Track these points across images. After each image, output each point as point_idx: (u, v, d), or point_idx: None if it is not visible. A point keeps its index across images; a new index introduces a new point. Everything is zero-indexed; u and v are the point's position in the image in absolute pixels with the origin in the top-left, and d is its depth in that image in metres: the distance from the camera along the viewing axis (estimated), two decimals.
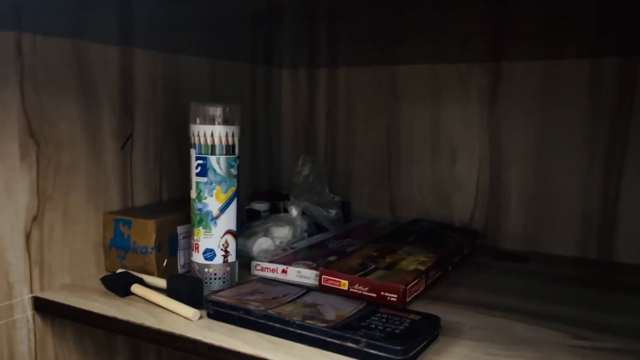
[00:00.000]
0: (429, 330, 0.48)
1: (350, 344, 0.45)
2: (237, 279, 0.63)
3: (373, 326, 0.47)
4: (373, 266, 0.63)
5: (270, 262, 0.67)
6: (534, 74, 0.79)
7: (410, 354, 0.44)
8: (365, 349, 0.44)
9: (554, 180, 0.79)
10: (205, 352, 0.49)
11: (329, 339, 0.46)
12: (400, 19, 0.47)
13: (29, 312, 0.59)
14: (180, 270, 0.67)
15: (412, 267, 0.63)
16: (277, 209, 0.86)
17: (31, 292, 0.59)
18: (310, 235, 0.80)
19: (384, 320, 0.49)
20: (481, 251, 0.80)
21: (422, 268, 0.63)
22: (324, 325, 0.47)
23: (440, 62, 0.85)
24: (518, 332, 0.51)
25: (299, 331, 0.48)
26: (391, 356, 0.43)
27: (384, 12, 0.44)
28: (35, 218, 0.59)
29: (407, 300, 0.57)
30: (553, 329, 0.51)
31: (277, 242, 0.75)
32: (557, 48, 0.67)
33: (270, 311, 0.50)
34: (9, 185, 0.56)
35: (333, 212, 0.78)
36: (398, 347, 0.43)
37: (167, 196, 0.77)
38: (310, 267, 0.64)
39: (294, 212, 0.77)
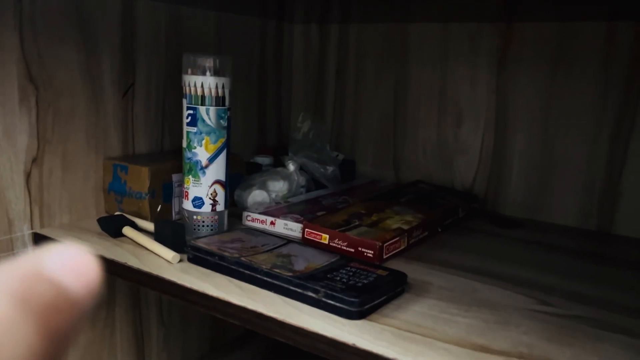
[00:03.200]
0: (392, 286, 0.49)
1: (310, 294, 0.46)
2: (225, 228, 0.65)
3: (337, 278, 0.49)
4: (357, 223, 0.64)
5: (261, 213, 0.69)
6: (546, 36, 0.76)
7: (366, 306, 0.45)
8: (324, 299, 0.46)
9: (559, 148, 0.77)
10: (178, 293, 0.51)
11: (291, 287, 0.48)
12: None
13: (30, 248, 0.63)
14: (174, 217, 0.70)
15: (395, 226, 0.63)
16: (280, 164, 0.87)
17: (31, 229, 0.63)
18: (308, 191, 0.81)
19: (350, 274, 0.50)
20: (478, 216, 0.80)
21: (405, 227, 0.63)
22: (290, 274, 0.49)
23: (451, 21, 0.83)
24: (484, 295, 0.51)
25: (265, 278, 0.49)
26: (346, 307, 0.44)
27: None
28: (34, 160, 0.62)
29: (384, 257, 0.58)
30: (521, 294, 0.51)
31: (273, 195, 0.76)
32: (572, 9, 0.64)
33: (243, 258, 0.52)
34: (8, 127, 0.59)
35: (330, 169, 0.79)
36: (354, 299, 0.44)
37: (169, 146, 0.79)
38: (296, 220, 0.66)
39: (290, 166, 0.78)
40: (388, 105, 0.91)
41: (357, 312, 0.44)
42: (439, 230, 0.70)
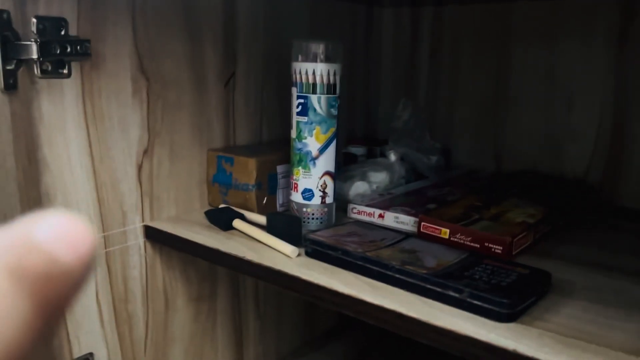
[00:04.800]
0: (538, 286, 0.45)
1: (452, 293, 0.43)
2: (334, 221, 0.63)
3: (477, 277, 0.45)
4: (477, 216, 0.60)
5: (367, 205, 0.66)
6: None
7: (517, 308, 0.41)
8: (469, 299, 0.42)
9: None
10: (303, 289, 0.49)
11: (429, 286, 0.44)
12: None
13: (141, 240, 0.63)
14: (278, 209, 0.68)
15: (519, 220, 0.59)
16: (373, 154, 0.84)
17: (142, 221, 0.63)
18: (408, 182, 0.77)
19: (488, 271, 0.46)
20: (597, 208, 0.74)
21: (531, 221, 0.59)
22: (425, 271, 0.46)
23: None
24: (637, 295, 0.46)
25: (397, 275, 0.46)
26: (496, 309, 0.41)
27: None
28: (145, 152, 0.62)
29: (514, 253, 0.54)
30: None
31: (374, 186, 0.73)
32: None
33: (368, 253, 0.50)
34: (123, 119, 0.59)
35: (434, 158, 0.75)
36: (504, 300, 0.41)
37: (266, 136, 0.77)
38: (408, 214, 0.63)
39: (392, 157, 0.75)
40: (487, 89, 0.86)
41: (508, 315, 0.41)
42: (561, 223, 0.65)
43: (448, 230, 0.57)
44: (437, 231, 0.58)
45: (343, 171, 0.75)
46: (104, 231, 0.59)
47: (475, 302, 0.42)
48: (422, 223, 0.59)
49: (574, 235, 0.62)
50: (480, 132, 0.88)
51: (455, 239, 0.56)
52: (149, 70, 0.60)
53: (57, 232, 0.13)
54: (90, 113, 0.56)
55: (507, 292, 0.42)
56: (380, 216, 0.65)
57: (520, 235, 0.55)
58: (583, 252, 0.57)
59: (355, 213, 0.67)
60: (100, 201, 0.58)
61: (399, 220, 0.63)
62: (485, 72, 0.86)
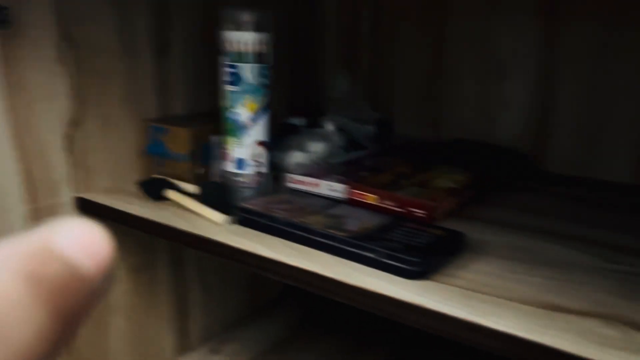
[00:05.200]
0: (452, 246, 0.47)
1: (367, 254, 0.45)
2: (268, 190, 0.64)
3: (395, 239, 0.47)
4: (405, 183, 0.62)
5: (303, 175, 0.67)
6: None
7: (428, 266, 0.43)
8: (384, 260, 0.44)
9: (610, 103, 0.73)
10: (230, 255, 0.50)
11: (348, 248, 0.46)
12: None
13: (73, 212, 0.62)
14: (213, 179, 0.68)
15: (445, 185, 0.61)
16: (315, 125, 0.85)
17: (74, 193, 0.62)
18: (347, 152, 0.79)
19: (406, 234, 0.48)
20: (526, 174, 0.77)
21: (456, 186, 0.61)
22: (345, 234, 0.47)
23: None
24: (548, 254, 0.49)
25: (319, 239, 0.48)
26: (408, 267, 0.43)
27: None
28: (74, 122, 0.61)
29: (437, 217, 0.56)
30: (586, 252, 0.49)
31: (312, 156, 0.74)
32: None
33: (294, 219, 0.51)
34: (48, 88, 0.58)
35: (370, 128, 0.77)
36: (416, 259, 0.43)
37: (205, 106, 0.77)
38: (341, 181, 0.64)
39: (329, 127, 0.76)
40: (426, 61, 0.88)
41: (420, 272, 0.43)
42: (489, 189, 0.68)
43: (375, 197, 0.59)
44: (365, 197, 0.59)
45: (282, 141, 0.76)
46: (32, 203, 0.58)
47: (389, 261, 0.44)
48: (352, 190, 0.61)
49: (501, 199, 0.65)
50: (420, 102, 0.90)
51: (383, 205, 0.58)
52: (74, 37, 0.59)
53: (77, 241, 0.13)
54: (13, 82, 0.54)
55: (420, 252, 0.44)
56: (315, 185, 0.66)
57: (444, 200, 0.57)
58: (505, 215, 0.59)
59: (291, 183, 0.68)
60: (27, 172, 0.57)
61: (332, 189, 0.64)
62: (424, 43, 0.87)
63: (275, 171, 0.71)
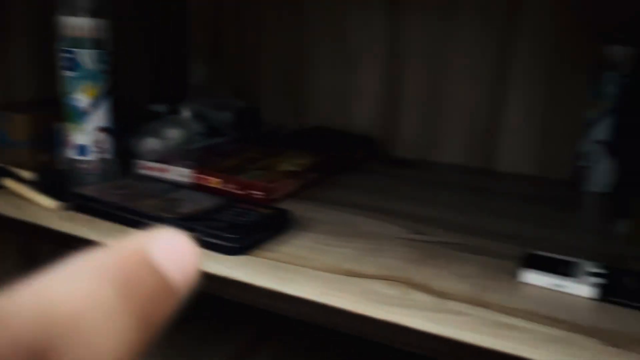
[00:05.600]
0: (278, 223, 0.51)
1: (193, 234, 0.47)
2: (113, 176, 0.64)
3: (223, 219, 0.49)
4: (250, 167, 0.65)
5: (152, 161, 0.68)
6: None
7: (246, 243, 0.46)
8: (205, 238, 0.46)
9: (447, 90, 0.81)
10: (61, 241, 0.50)
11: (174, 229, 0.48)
12: None
13: None
14: (57, 166, 0.67)
15: (287, 168, 0.65)
16: (175, 112, 0.85)
17: None
18: (206, 138, 0.80)
19: (237, 214, 0.51)
20: (375, 158, 0.83)
21: (298, 169, 0.65)
22: (174, 216, 0.49)
23: None
24: (364, 228, 0.54)
25: (148, 222, 0.49)
26: (227, 244, 0.46)
27: None
28: None
29: (275, 199, 0.60)
30: (399, 225, 0.55)
31: (168, 142, 0.75)
32: None
33: (126, 203, 0.52)
34: None
35: (227, 115, 0.79)
36: (235, 236, 0.46)
37: (50, 92, 0.75)
38: (187, 166, 0.66)
39: (185, 113, 0.77)
40: (289, 50, 0.91)
41: (237, 248, 0.46)
42: (334, 172, 0.72)
43: (218, 180, 0.61)
44: (209, 181, 0.62)
45: (138, 128, 0.76)
46: None
47: (210, 239, 0.46)
48: (195, 174, 0.62)
49: (344, 182, 0.70)
50: (285, 91, 0.93)
51: (225, 188, 0.61)
52: None
53: (169, 252, 0.13)
54: None
55: (241, 230, 0.47)
56: (164, 170, 0.67)
57: (282, 182, 0.61)
58: (341, 195, 0.64)
59: (141, 168, 0.68)
60: None
61: (180, 174, 0.66)
62: (287, 33, 0.91)
63: (130, 157, 0.71)
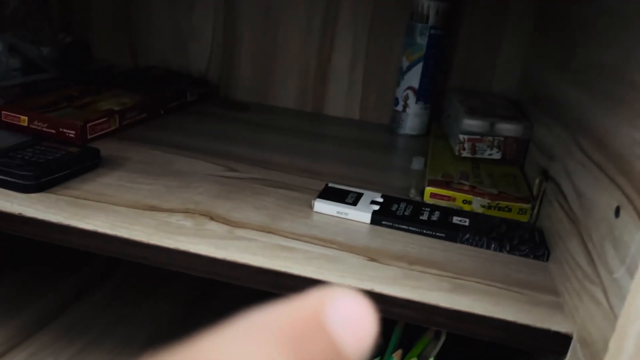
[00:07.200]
0: (78, 161, 0.50)
1: None
2: None
3: (20, 156, 0.48)
4: (65, 105, 0.62)
5: None
6: None
7: (42, 180, 0.46)
8: None
9: (280, 36, 0.83)
10: None
11: None
12: None
13: None
14: None
15: (106, 107, 0.63)
16: None
17: None
18: (23, 74, 0.74)
19: (38, 152, 0.49)
20: (210, 101, 0.83)
21: (117, 108, 0.63)
22: None
23: None
24: (178, 166, 0.55)
25: None
26: (20, 182, 0.44)
27: None
28: None
29: (89, 138, 0.58)
30: (213, 163, 0.57)
31: None
32: None
33: None
34: None
35: (46, 50, 0.74)
36: (27, 173, 0.45)
37: None
38: None
39: None
40: None
41: (32, 186, 0.45)
42: (162, 112, 0.72)
43: (26, 118, 0.58)
44: (16, 119, 0.58)
45: None
46: None
47: (5, 177, 0.45)
48: (3, 112, 0.59)
49: (171, 123, 0.70)
50: (117, 28, 0.89)
51: (34, 126, 0.58)
52: None
53: (346, 318, 0.12)
54: None
55: (37, 167, 0.46)
56: None
57: (97, 121, 0.59)
58: (166, 136, 0.64)
59: None
60: None
61: None
62: None
63: None
